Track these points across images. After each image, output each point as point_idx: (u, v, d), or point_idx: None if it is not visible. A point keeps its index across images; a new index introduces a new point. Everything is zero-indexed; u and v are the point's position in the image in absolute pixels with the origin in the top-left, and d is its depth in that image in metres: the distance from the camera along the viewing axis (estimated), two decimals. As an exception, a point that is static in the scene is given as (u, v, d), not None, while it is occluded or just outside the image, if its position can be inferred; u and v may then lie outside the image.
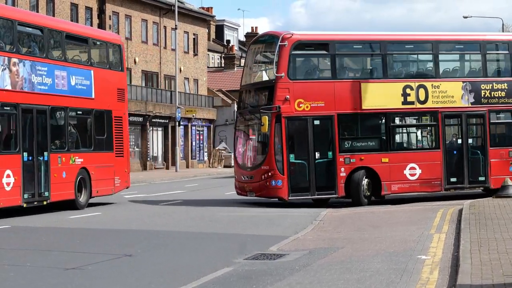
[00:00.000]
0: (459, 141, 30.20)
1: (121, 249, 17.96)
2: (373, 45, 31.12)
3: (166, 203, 31.86)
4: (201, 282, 13.47)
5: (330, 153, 28.56)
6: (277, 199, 29.06)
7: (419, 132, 31.31)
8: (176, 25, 61.96)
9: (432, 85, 30.22)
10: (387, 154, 29.49)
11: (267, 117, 27.63)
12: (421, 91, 29.81)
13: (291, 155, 28.28)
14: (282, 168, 27.93)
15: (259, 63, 32.37)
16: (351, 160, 28.67)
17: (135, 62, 65.92)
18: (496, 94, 30.44)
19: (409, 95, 29.72)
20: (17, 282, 13.95)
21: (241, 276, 14.03)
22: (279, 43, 28.09)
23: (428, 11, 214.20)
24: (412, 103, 29.88)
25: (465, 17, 65.59)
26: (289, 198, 28.39)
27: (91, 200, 29.49)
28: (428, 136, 31.09)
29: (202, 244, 19.09)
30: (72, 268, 15.16)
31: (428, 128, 31.00)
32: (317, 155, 28.44)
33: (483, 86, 30.31)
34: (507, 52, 31.78)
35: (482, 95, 30.47)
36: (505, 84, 30.58)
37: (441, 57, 31.19)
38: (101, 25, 61.69)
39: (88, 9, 60.91)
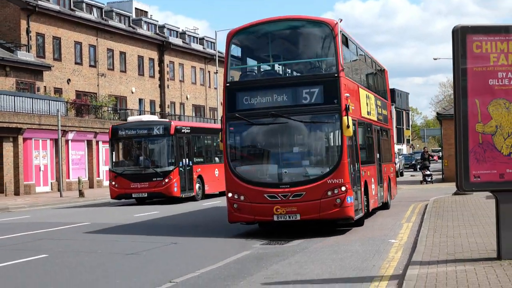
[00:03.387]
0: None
1: (170, 239, 17.96)
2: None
3: (208, 204, 30.83)
4: (225, 262, 13.75)
5: (357, 165, 18.66)
6: (336, 220, 17.94)
7: (373, 145, 22.29)
8: (217, 70, 62.09)
9: (373, 97, 22.91)
10: (368, 167, 20.69)
11: (351, 118, 17.17)
12: (371, 101, 22.25)
13: (351, 166, 17.92)
14: (352, 181, 17.53)
15: (283, 51, 19.88)
16: (362, 173, 19.27)
17: (187, 98, 66.39)
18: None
19: (367, 104, 21.42)
20: (90, 264, 14.25)
21: (256, 257, 14.24)
22: (339, 30, 17.44)
23: (411, 55, 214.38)
24: (369, 113, 21.74)
25: (435, 59, 64.96)
26: (355, 217, 17.85)
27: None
28: (375, 149, 22.58)
29: (231, 233, 18.77)
30: (131, 253, 15.44)
31: (374, 141, 22.35)
32: (356, 166, 18.61)
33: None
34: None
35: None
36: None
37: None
38: (161, 72, 62.33)
39: (151, 60, 61.37)
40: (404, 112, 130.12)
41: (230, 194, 17.93)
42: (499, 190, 11.21)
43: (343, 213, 17.16)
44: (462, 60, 11.07)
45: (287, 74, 19.86)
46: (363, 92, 20.80)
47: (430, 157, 45.58)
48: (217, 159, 35.44)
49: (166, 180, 31.03)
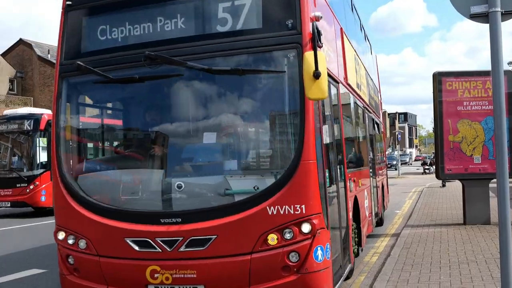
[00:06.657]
0: None
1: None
2: None
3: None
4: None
5: (340, 170, 5.64)
6: None
7: (366, 137, 10.23)
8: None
9: (364, 68, 10.28)
10: (359, 173, 8.19)
11: (323, 56, 4.29)
12: (361, 72, 9.80)
13: (325, 171, 4.67)
14: (326, 207, 4.35)
15: None
16: (351, 185, 6.59)
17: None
18: None
19: (356, 72, 8.82)
20: None
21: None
22: None
23: (419, 90, 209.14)
24: (359, 87, 9.02)
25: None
26: None
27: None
28: (368, 144, 10.63)
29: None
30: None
31: (366, 131, 10.30)
32: (339, 172, 5.52)
33: None
34: None
35: None
36: None
37: None
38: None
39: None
40: (413, 128, 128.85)
41: (61, 235, 5.37)
42: (464, 179, 11.52)
43: (304, 284, 4.67)
44: (439, 94, 11.42)
45: None
46: (349, 47, 7.88)
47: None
48: None
49: (31, 187, 16.87)
